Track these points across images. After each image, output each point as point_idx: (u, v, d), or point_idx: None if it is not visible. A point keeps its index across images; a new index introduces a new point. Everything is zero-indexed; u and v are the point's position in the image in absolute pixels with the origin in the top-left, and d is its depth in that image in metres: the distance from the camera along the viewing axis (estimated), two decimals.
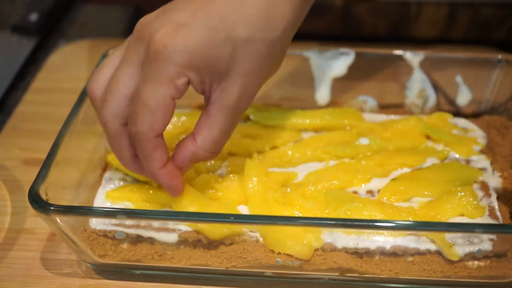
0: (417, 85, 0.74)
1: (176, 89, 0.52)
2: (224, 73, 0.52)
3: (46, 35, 1.02)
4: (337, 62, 0.74)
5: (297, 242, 0.57)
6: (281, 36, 0.53)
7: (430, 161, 0.66)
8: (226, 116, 0.54)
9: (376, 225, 0.55)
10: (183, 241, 0.59)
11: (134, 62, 0.53)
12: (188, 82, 0.52)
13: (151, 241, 0.60)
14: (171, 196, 0.59)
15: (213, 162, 0.67)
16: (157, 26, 0.51)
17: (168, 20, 0.51)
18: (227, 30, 0.51)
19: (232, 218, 0.57)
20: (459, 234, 0.57)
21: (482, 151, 0.68)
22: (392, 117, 0.73)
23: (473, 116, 0.74)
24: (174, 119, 0.72)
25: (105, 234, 0.60)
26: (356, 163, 0.66)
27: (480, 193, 0.63)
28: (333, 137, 0.69)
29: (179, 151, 0.57)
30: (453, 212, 0.60)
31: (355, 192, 0.64)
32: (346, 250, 0.58)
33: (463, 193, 0.61)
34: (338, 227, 0.57)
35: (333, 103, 0.76)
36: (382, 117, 0.73)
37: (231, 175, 0.66)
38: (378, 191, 0.64)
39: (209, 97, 0.54)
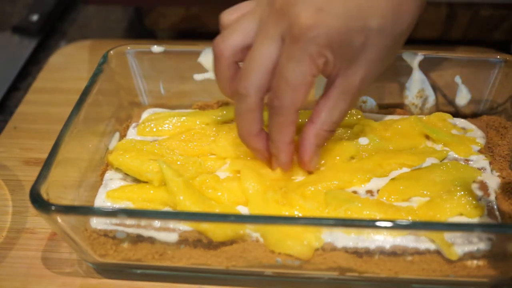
0: (416, 85, 0.74)
1: (316, 68, 0.56)
2: (352, 60, 0.57)
3: (47, 36, 1.03)
4: None
5: (297, 242, 0.57)
6: (405, 31, 0.58)
7: (429, 161, 0.66)
8: (346, 99, 0.59)
9: (375, 225, 0.55)
10: (183, 241, 0.60)
11: (274, 37, 0.57)
12: (325, 62, 0.57)
13: (152, 240, 0.60)
14: (281, 169, 0.63)
15: (212, 162, 0.68)
16: (299, 8, 0.55)
17: (308, 3, 0.55)
18: (363, 20, 0.55)
19: (232, 218, 0.57)
20: (458, 234, 0.57)
21: (481, 151, 0.68)
22: (392, 117, 0.73)
23: (472, 116, 0.74)
24: (174, 119, 0.72)
25: (105, 234, 0.60)
26: (356, 163, 0.66)
27: (479, 193, 0.63)
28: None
29: (303, 142, 0.61)
30: (452, 211, 0.60)
31: (355, 192, 0.64)
32: (346, 250, 0.58)
33: (462, 193, 0.61)
34: (338, 227, 0.58)
35: None
36: (381, 117, 0.73)
37: (230, 175, 0.66)
38: (378, 191, 0.64)
39: (332, 81, 0.59)
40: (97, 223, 0.60)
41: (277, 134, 0.60)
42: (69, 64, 0.93)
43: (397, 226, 0.55)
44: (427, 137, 0.70)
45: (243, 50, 0.59)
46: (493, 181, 0.64)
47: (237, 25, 0.60)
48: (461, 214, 0.61)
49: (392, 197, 0.63)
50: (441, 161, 0.67)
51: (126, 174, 0.67)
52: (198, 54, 0.76)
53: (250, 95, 0.58)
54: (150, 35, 0.99)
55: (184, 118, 0.73)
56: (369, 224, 0.56)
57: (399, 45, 0.61)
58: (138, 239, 0.60)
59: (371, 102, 0.76)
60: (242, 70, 0.59)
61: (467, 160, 0.67)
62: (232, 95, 0.61)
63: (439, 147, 0.69)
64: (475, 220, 0.60)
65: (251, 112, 0.59)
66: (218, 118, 0.73)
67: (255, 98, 0.58)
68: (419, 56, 0.73)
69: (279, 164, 0.62)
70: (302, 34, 0.55)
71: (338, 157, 0.67)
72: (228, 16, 0.62)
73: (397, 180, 0.64)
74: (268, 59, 0.57)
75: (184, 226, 0.59)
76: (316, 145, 0.61)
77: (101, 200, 0.64)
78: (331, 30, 0.55)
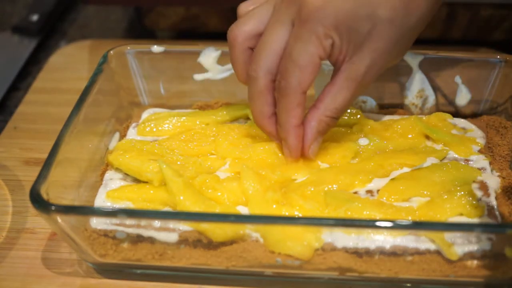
0: (416, 85, 0.74)
1: (323, 49, 0.57)
2: (358, 46, 0.58)
3: (47, 36, 1.03)
4: None
5: (297, 243, 0.57)
6: (416, 25, 0.59)
7: (430, 161, 0.66)
8: (350, 86, 0.59)
9: (375, 225, 0.55)
10: (183, 241, 0.60)
11: (284, 22, 0.58)
12: (332, 45, 0.57)
13: (152, 240, 0.60)
14: (288, 157, 0.64)
15: (212, 162, 0.68)
16: None
17: None
18: (371, 8, 0.57)
19: (232, 218, 0.57)
20: (458, 234, 0.57)
21: (481, 151, 0.68)
22: (392, 117, 0.73)
23: (472, 116, 0.74)
24: (174, 119, 0.72)
25: (105, 234, 0.60)
26: (357, 164, 0.66)
27: (479, 193, 0.63)
28: (333, 135, 0.69)
29: (304, 126, 0.61)
30: (452, 211, 0.60)
31: (355, 192, 0.64)
32: (346, 250, 0.58)
33: (462, 193, 0.61)
34: (338, 227, 0.58)
35: None
36: (381, 117, 0.73)
37: (230, 175, 0.66)
38: (378, 191, 0.64)
39: (338, 68, 0.60)
40: (97, 223, 0.60)
41: (284, 116, 0.60)
42: (69, 64, 0.93)
43: (397, 226, 0.55)
44: (427, 137, 0.70)
45: (257, 37, 0.61)
46: (493, 181, 0.64)
47: (251, 13, 0.61)
48: (461, 214, 0.61)
49: (392, 197, 0.63)
50: (441, 160, 0.67)
51: (126, 174, 0.67)
52: (198, 54, 0.76)
53: (260, 78, 0.59)
54: (150, 35, 0.99)
55: (184, 118, 0.73)
56: (369, 224, 0.56)
57: (409, 40, 0.61)
58: (138, 239, 0.60)
59: (371, 102, 0.76)
60: (254, 53, 0.60)
61: (467, 160, 0.67)
62: (246, 81, 0.62)
63: (439, 147, 0.69)
64: (475, 220, 0.60)
65: (261, 95, 0.60)
66: (218, 118, 0.73)
67: (264, 80, 0.60)
68: (419, 56, 0.73)
69: (288, 148, 0.63)
70: (310, 15, 0.56)
71: (338, 159, 0.67)
72: (245, 7, 0.63)
73: (397, 180, 0.64)
74: (278, 42, 0.58)
75: (184, 226, 0.59)
76: (317, 130, 0.62)
77: (101, 200, 0.64)
78: (339, 12, 0.56)
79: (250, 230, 0.59)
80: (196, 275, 0.62)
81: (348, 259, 0.58)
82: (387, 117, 0.73)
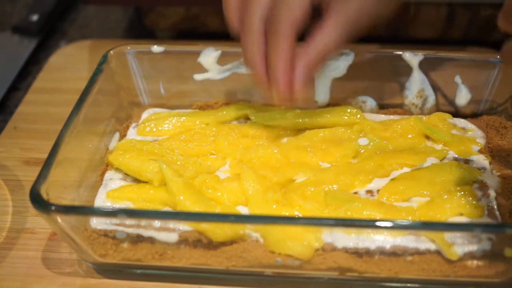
0: (416, 85, 0.74)
1: None
2: None
3: (47, 36, 1.03)
4: (337, 62, 0.74)
5: (297, 243, 0.57)
6: None
7: (430, 161, 0.66)
8: (338, 28, 0.59)
9: (376, 225, 0.55)
10: (183, 241, 0.60)
11: None
12: None
13: (152, 240, 0.60)
14: (276, 100, 0.64)
15: (212, 162, 0.68)
16: None
17: None
18: None
19: (232, 218, 0.57)
20: (458, 234, 0.57)
21: (481, 151, 0.68)
22: (392, 117, 0.73)
23: (472, 116, 0.74)
24: (174, 119, 0.73)
25: (105, 234, 0.60)
26: (357, 164, 0.66)
27: (479, 193, 0.63)
28: (333, 135, 0.69)
29: (295, 64, 0.61)
30: (452, 211, 0.60)
31: (355, 192, 0.64)
32: (346, 250, 0.58)
33: (462, 193, 0.61)
34: (338, 227, 0.58)
35: (333, 103, 0.76)
36: (381, 117, 0.73)
37: (230, 175, 0.66)
38: (378, 191, 0.64)
39: (326, 9, 0.60)
40: (97, 223, 0.60)
41: (274, 54, 0.60)
42: (69, 64, 0.93)
43: (397, 226, 0.55)
44: (427, 137, 0.70)
45: None
46: (493, 181, 0.64)
47: None
48: (461, 214, 0.61)
49: (392, 197, 0.63)
50: (441, 160, 0.67)
51: (126, 174, 0.67)
52: (198, 54, 0.76)
53: (255, 24, 0.60)
54: (150, 35, 0.99)
55: (184, 118, 0.73)
56: (369, 224, 0.56)
57: None
58: (138, 239, 0.60)
59: (371, 102, 0.76)
60: None
61: (467, 160, 0.67)
62: (238, 26, 0.62)
63: (439, 147, 0.69)
64: (475, 220, 0.60)
65: (256, 39, 0.61)
66: (218, 118, 0.73)
67: (259, 24, 0.60)
68: (419, 56, 0.73)
69: (277, 89, 0.61)
70: None
71: (338, 158, 0.67)
72: None
73: (397, 180, 0.64)
74: None
75: (184, 226, 0.59)
76: (304, 67, 0.61)
77: (101, 200, 0.64)
78: None
79: (250, 230, 0.59)
80: (196, 275, 0.62)
81: (348, 259, 0.58)
82: (387, 117, 0.73)
